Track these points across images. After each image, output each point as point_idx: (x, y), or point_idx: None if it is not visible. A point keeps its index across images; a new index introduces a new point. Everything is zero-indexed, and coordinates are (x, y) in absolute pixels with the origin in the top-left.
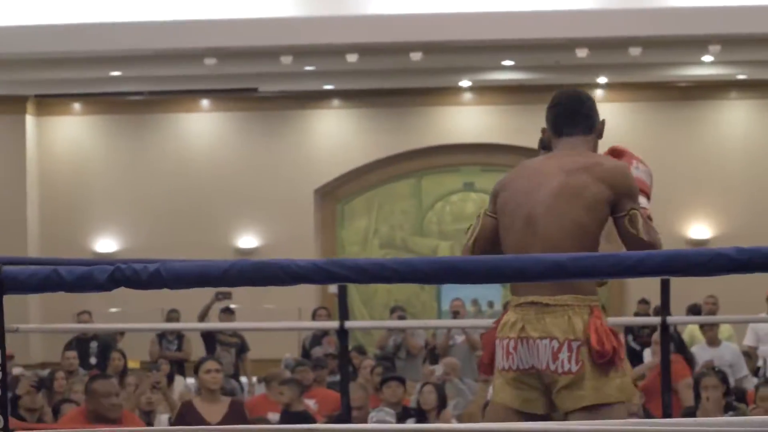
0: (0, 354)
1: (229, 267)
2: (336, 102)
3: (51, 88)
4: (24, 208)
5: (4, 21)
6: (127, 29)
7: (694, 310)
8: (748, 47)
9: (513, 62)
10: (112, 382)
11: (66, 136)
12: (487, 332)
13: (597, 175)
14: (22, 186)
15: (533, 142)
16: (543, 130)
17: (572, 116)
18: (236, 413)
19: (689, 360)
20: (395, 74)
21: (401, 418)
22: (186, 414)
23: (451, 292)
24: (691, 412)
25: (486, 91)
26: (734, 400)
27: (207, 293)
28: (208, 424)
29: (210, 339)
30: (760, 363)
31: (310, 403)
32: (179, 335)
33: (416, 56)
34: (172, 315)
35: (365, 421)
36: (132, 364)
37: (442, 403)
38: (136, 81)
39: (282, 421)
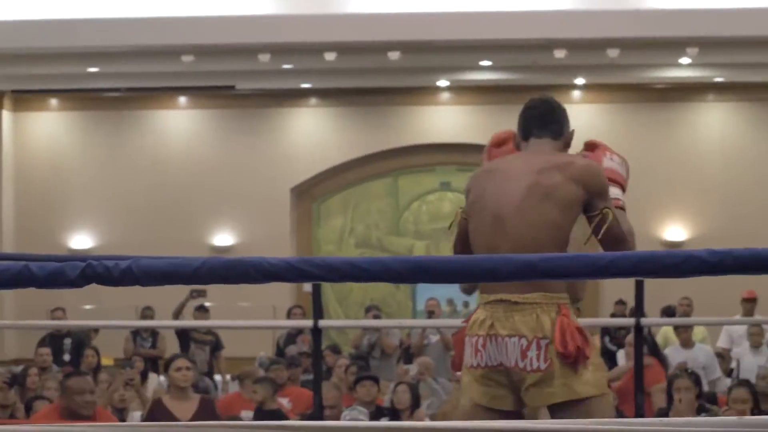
0: None
1: (200, 264)
2: (313, 100)
3: (28, 83)
4: None
5: None
6: (105, 25)
7: (669, 311)
8: (726, 50)
9: (491, 62)
10: (87, 379)
11: (43, 132)
12: (458, 331)
13: (570, 174)
14: None
15: None
16: (513, 136)
17: (542, 120)
18: (206, 411)
19: (662, 362)
20: (373, 73)
21: (374, 418)
22: (156, 411)
23: (427, 291)
24: (663, 414)
25: (463, 91)
26: (707, 401)
27: (182, 290)
28: (178, 421)
29: (184, 336)
30: (733, 365)
31: (284, 402)
32: (154, 332)
33: (394, 55)
34: (147, 312)
35: (338, 420)
36: (106, 361)
37: (415, 402)
38: (113, 77)
39: (255, 419)
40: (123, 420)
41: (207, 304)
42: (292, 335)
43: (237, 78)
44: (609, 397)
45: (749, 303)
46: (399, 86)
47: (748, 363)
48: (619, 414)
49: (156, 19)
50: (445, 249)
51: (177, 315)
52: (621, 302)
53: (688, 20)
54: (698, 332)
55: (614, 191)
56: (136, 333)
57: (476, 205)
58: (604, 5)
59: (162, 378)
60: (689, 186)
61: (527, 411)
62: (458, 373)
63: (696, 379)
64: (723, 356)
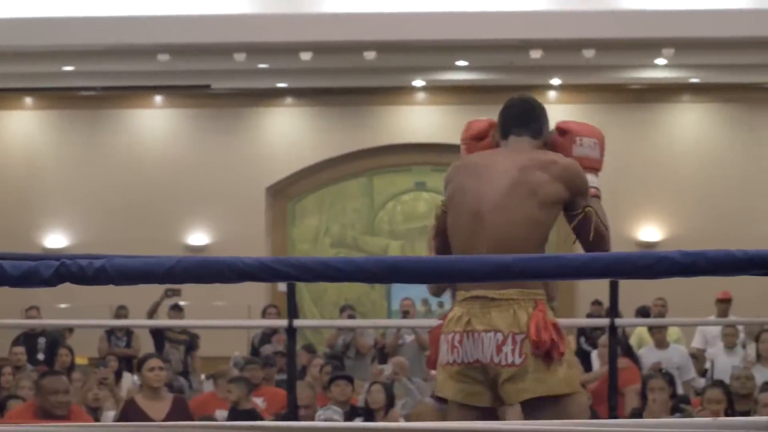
0: None
1: (174, 264)
2: (289, 100)
3: (3, 82)
4: None
5: None
6: (81, 24)
7: (643, 312)
8: (702, 51)
9: (467, 62)
10: (61, 379)
11: (17, 131)
12: (434, 329)
13: (554, 174)
14: None
15: None
16: (492, 135)
17: (522, 119)
18: (180, 410)
19: (636, 362)
20: (349, 73)
21: (349, 417)
22: (129, 411)
23: (401, 291)
24: (637, 414)
25: (439, 91)
26: (681, 402)
27: (156, 289)
28: (152, 421)
29: (159, 336)
30: (707, 365)
31: (258, 401)
32: (128, 332)
33: (370, 55)
34: (121, 311)
35: (313, 420)
36: (80, 360)
37: (390, 402)
38: (88, 76)
39: (229, 419)
40: (97, 419)
41: (182, 303)
42: (267, 335)
43: (212, 77)
44: (583, 397)
45: (724, 304)
46: (375, 86)
47: (723, 363)
48: (594, 414)
49: (132, 18)
50: (420, 249)
51: (152, 314)
52: (597, 302)
53: (664, 21)
54: (673, 333)
55: (591, 179)
56: (110, 332)
57: (455, 198)
58: (579, 6)
59: (136, 377)
60: (664, 186)
61: (503, 408)
62: (433, 372)
63: (670, 380)
64: (697, 357)
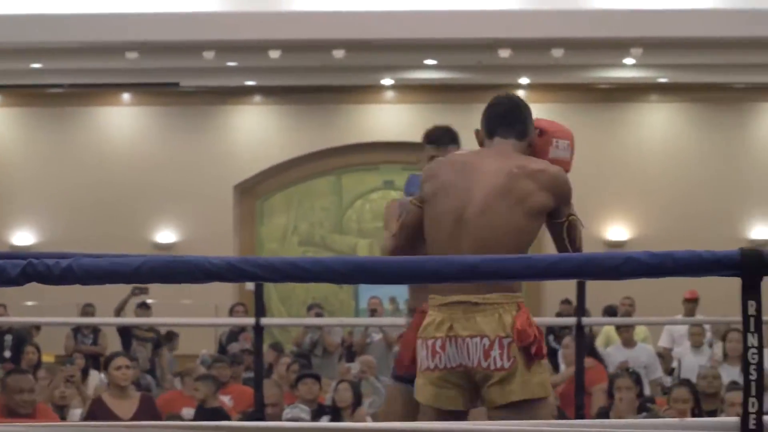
0: None
1: (141, 264)
2: (258, 98)
3: None
4: None
5: None
6: (49, 21)
7: (610, 311)
8: (670, 51)
9: (435, 61)
10: (27, 378)
11: None
12: (407, 333)
13: (542, 183)
14: None
15: None
16: (476, 133)
17: (508, 119)
18: (147, 409)
19: (601, 362)
20: (317, 71)
21: (316, 416)
22: (96, 410)
23: (369, 290)
24: (604, 413)
25: (408, 90)
26: (648, 401)
27: (124, 288)
28: (119, 419)
29: (126, 334)
30: (674, 364)
31: (226, 400)
32: (95, 329)
33: (339, 54)
34: (88, 309)
35: (280, 418)
36: (47, 358)
37: (357, 400)
38: (57, 73)
39: (196, 417)
40: (64, 417)
41: (149, 301)
42: (235, 333)
43: (181, 75)
44: (552, 399)
45: (691, 303)
46: (343, 84)
47: (689, 363)
48: (562, 415)
49: (100, 16)
50: None
51: (119, 312)
52: (567, 301)
53: (633, 21)
54: (640, 332)
55: None
56: (77, 330)
57: (437, 196)
58: (548, 5)
59: (103, 375)
60: (632, 186)
61: (473, 411)
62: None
63: (637, 379)
64: (664, 356)
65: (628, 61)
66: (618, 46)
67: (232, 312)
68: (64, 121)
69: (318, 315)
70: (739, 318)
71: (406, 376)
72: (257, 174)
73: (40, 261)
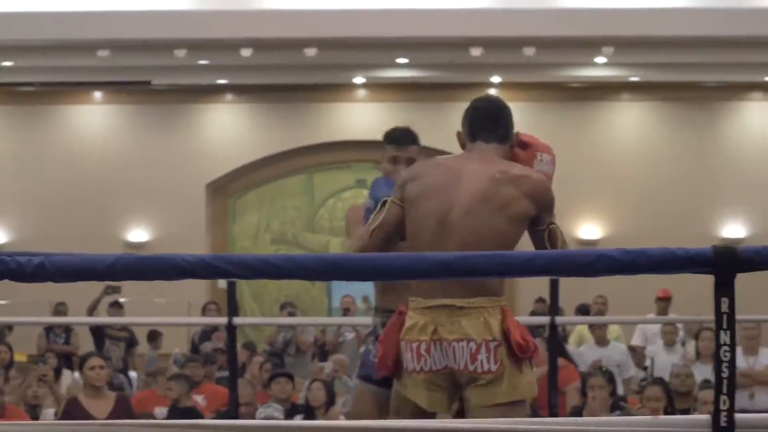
0: None
1: (114, 261)
2: (229, 96)
3: None
4: None
5: None
6: (19, 19)
7: (583, 309)
8: (641, 50)
9: (407, 60)
10: None
11: None
12: (387, 334)
13: (525, 190)
14: None
15: (427, 140)
16: (458, 135)
17: (491, 122)
18: (123, 408)
19: (571, 361)
20: (289, 70)
21: (289, 415)
22: (72, 410)
23: (342, 288)
24: (577, 412)
25: (380, 88)
26: (621, 400)
27: (96, 286)
28: (95, 419)
29: (99, 333)
30: (647, 363)
31: (199, 399)
32: (67, 328)
33: (311, 52)
34: (60, 308)
35: (253, 417)
36: (19, 357)
37: (330, 399)
38: (27, 71)
39: (169, 416)
40: (36, 417)
41: (122, 300)
42: (207, 332)
43: (153, 73)
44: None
45: (664, 302)
46: (315, 83)
47: (662, 361)
48: (535, 413)
49: (71, 14)
50: None
51: (91, 311)
52: (541, 300)
53: (604, 20)
54: (613, 330)
55: None
56: (49, 329)
57: (420, 198)
58: (520, 4)
59: (76, 374)
60: (604, 185)
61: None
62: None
63: (610, 377)
64: (637, 354)
65: (600, 59)
66: (589, 45)
67: (204, 310)
68: (35, 120)
69: (291, 314)
70: (711, 317)
71: (383, 378)
72: (229, 172)
73: (12, 259)
